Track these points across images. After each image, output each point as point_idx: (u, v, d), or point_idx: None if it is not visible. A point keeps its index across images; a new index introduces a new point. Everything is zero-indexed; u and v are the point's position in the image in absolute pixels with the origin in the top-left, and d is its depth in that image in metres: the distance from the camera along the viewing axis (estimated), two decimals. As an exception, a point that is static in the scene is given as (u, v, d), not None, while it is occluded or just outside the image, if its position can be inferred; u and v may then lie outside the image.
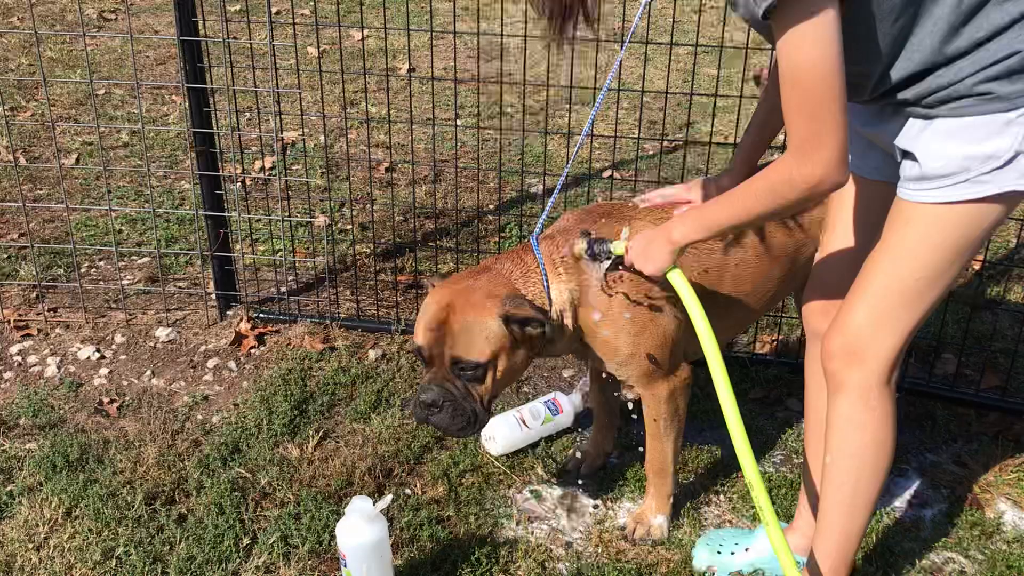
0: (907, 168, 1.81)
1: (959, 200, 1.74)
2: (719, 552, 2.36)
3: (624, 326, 2.24)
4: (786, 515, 2.53)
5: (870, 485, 2.02)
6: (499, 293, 2.15)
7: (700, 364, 2.17)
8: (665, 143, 4.81)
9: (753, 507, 2.57)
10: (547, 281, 2.21)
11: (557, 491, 2.66)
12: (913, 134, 1.79)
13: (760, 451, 2.80)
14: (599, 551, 2.44)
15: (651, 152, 4.85)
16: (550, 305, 2.21)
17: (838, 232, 2.15)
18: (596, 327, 2.25)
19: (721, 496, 2.63)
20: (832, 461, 2.02)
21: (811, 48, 1.58)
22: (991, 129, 1.68)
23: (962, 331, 3.19)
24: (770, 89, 2.12)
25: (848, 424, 1.98)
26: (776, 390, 3.06)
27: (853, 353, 1.92)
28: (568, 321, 2.24)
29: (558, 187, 2.42)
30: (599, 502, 2.61)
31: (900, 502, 2.62)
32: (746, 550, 2.35)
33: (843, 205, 2.13)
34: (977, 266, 3.60)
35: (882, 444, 1.98)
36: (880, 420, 1.96)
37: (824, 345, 1.98)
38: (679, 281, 1.99)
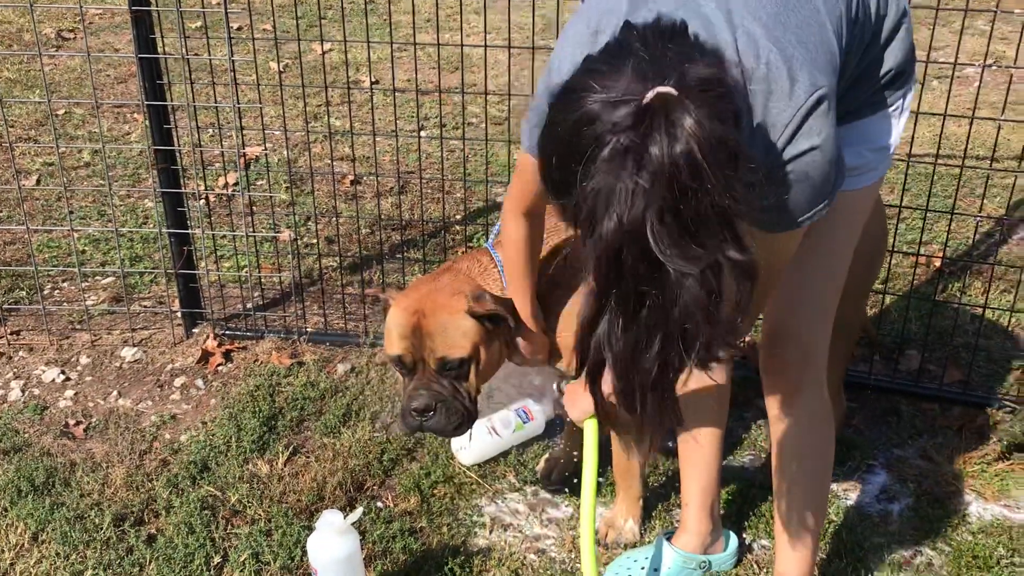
0: None
1: (866, 185, 1.90)
2: None
3: None
4: (757, 513, 2.55)
5: (829, 476, 2.14)
6: (463, 290, 2.18)
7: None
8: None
9: (727, 511, 2.59)
10: (505, 277, 2.25)
11: (529, 498, 2.66)
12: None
13: (729, 451, 2.82)
14: (572, 557, 2.45)
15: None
16: None
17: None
18: (560, 332, 2.27)
19: (692, 498, 2.65)
20: (800, 466, 2.07)
21: (789, 250, 1.77)
22: (885, 125, 1.88)
23: (924, 327, 3.24)
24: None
25: (817, 420, 2.05)
26: (744, 392, 3.08)
27: (807, 356, 2.00)
28: None
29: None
30: (571, 508, 2.62)
31: (868, 497, 2.66)
32: (655, 570, 2.36)
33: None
34: (937, 263, 3.66)
35: (835, 430, 2.12)
36: (833, 408, 2.09)
37: (778, 358, 2.02)
38: (589, 430, 2.09)
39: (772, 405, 2.09)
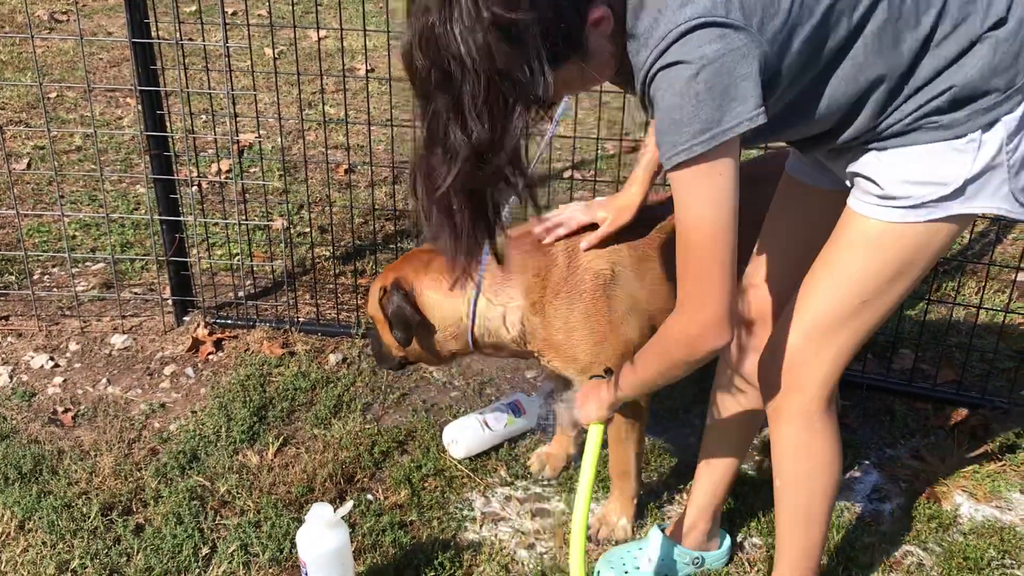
0: (860, 182, 1.77)
1: (905, 221, 1.70)
2: (627, 573, 2.34)
3: (584, 336, 2.25)
4: (748, 511, 2.55)
5: (824, 502, 2.00)
6: (398, 274, 2.36)
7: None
8: (625, 143, 4.82)
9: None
10: (477, 293, 2.24)
11: (521, 493, 2.65)
12: (864, 161, 1.74)
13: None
14: (563, 551, 2.44)
15: (612, 152, 4.86)
16: (473, 318, 2.29)
17: (776, 239, 2.08)
18: (553, 338, 2.26)
19: (684, 495, 2.64)
20: (783, 486, 2.00)
21: (703, 207, 1.57)
22: (940, 157, 1.66)
23: (918, 327, 3.23)
24: None
25: (796, 451, 1.94)
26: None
27: (790, 378, 1.87)
28: (505, 336, 2.32)
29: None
30: (562, 503, 2.61)
31: (859, 497, 2.65)
32: (649, 560, 2.33)
33: (783, 211, 2.07)
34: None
35: (831, 463, 1.95)
36: (826, 441, 1.92)
37: (760, 371, 1.94)
38: (593, 435, 2.07)
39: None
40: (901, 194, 1.69)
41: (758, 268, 2.10)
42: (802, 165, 2.02)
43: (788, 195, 2.06)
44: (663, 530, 2.38)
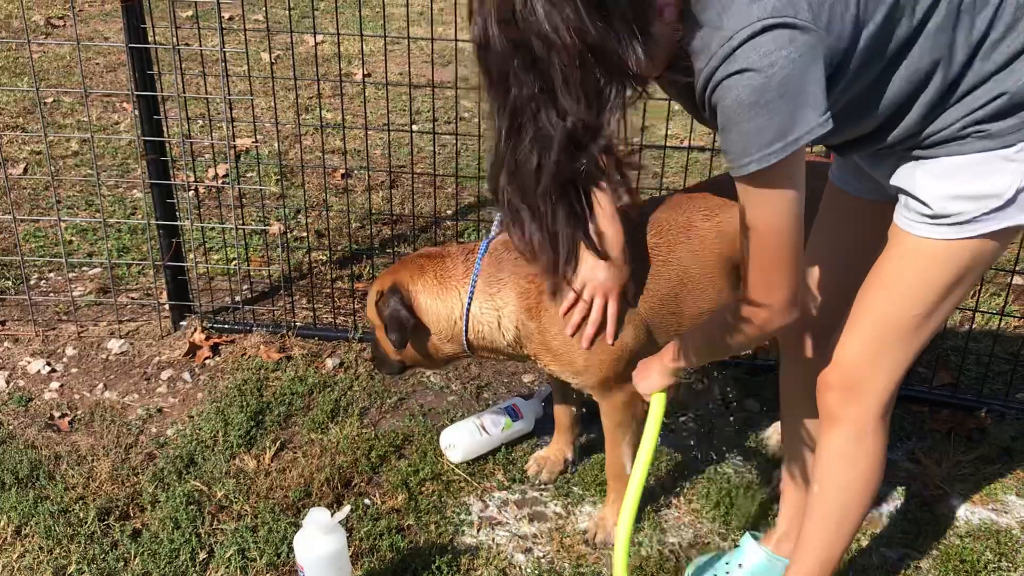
0: (907, 200, 1.74)
1: (958, 237, 1.67)
2: None
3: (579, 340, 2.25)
4: (745, 515, 2.55)
5: (856, 516, 1.99)
6: (395, 278, 2.37)
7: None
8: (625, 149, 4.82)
9: (716, 512, 2.58)
10: (471, 298, 2.25)
11: (518, 497, 2.65)
12: (907, 173, 1.72)
13: (719, 452, 2.81)
14: (560, 556, 2.44)
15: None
16: (467, 322, 2.29)
17: (822, 251, 2.06)
18: (550, 343, 2.27)
19: (681, 499, 2.64)
20: (820, 492, 1.99)
21: (773, 210, 1.58)
22: (989, 167, 1.62)
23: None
24: None
25: (840, 459, 1.94)
26: (734, 391, 3.08)
27: (850, 388, 1.87)
28: (500, 340, 2.32)
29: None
30: (559, 507, 2.61)
31: (857, 500, 2.65)
32: (740, 566, 2.31)
33: (828, 223, 2.06)
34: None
35: (871, 478, 1.95)
36: (872, 455, 1.92)
37: (821, 377, 1.92)
38: (656, 405, 2.06)
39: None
40: (953, 211, 1.65)
41: (808, 276, 2.08)
42: (844, 175, 2.00)
43: (832, 204, 2.06)
44: (756, 538, 2.33)
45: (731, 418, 2.97)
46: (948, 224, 1.67)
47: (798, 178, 1.55)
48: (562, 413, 2.69)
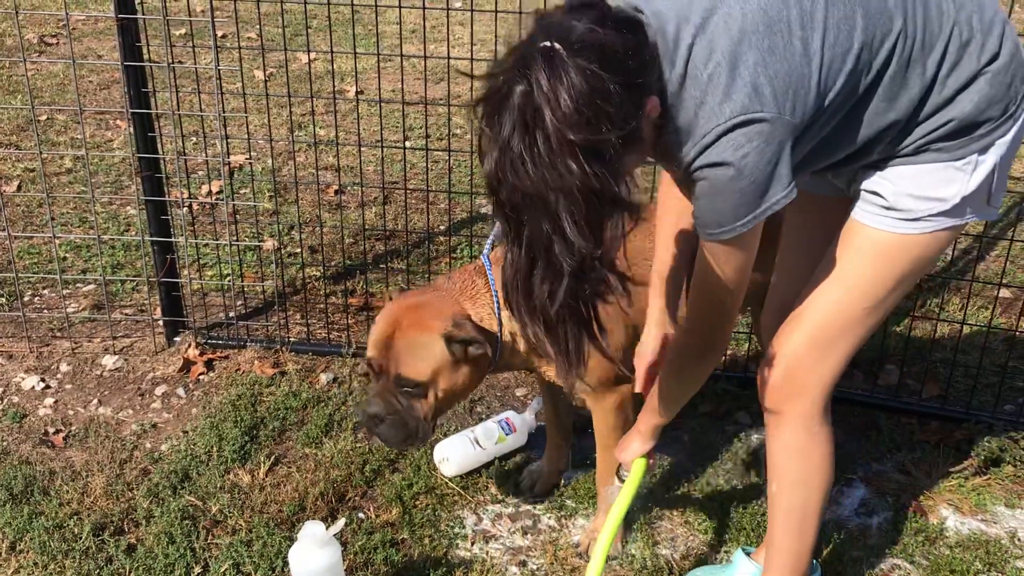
0: (865, 195, 1.86)
1: (907, 232, 1.82)
2: None
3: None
4: (736, 526, 2.57)
5: (817, 510, 2.06)
6: (445, 313, 2.18)
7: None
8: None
9: (708, 525, 2.60)
10: (498, 304, 2.23)
11: (511, 510, 2.67)
12: (866, 176, 1.85)
13: (710, 464, 2.83)
14: (554, 568, 2.45)
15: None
16: (500, 327, 2.24)
17: (794, 248, 2.18)
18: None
19: (674, 510, 2.66)
20: (779, 489, 2.05)
21: (732, 267, 1.75)
22: (943, 176, 1.78)
23: (903, 343, 3.27)
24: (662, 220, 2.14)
25: (794, 453, 2.01)
26: (725, 404, 3.10)
27: (793, 383, 1.95)
28: (521, 345, 2.27)
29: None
30: (553, 520, 2.63)
31: (847, 511, 2.68)
32: None
33: (797, 221, 2.15)
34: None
35: (826, 466, 2.03)
36: (822, 443, 2.00)
37: (762, 375, 1.99)
38: (636, 469, 2.13)
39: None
40: (904, 207, 1.80)
41: (780, 277, 2.25)
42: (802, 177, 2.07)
43: (795, 206, 2.10)
44: (748, 554, 2.35)
45: (723, 430, 2.99)
46: (900, 219, 1.81)
47: (757, 238, 1.73)
48: (555, 426, 2.71)
